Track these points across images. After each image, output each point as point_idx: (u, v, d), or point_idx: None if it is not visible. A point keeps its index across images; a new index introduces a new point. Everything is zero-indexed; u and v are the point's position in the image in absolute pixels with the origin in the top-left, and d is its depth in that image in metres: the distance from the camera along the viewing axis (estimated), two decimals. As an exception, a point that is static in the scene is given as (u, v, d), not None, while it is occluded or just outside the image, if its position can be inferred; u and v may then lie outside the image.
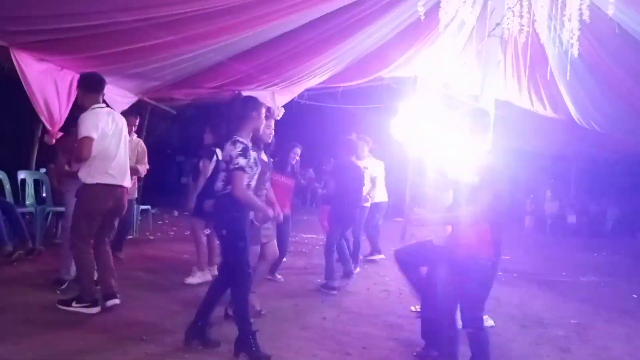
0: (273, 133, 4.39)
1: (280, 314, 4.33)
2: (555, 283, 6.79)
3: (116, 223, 4.18)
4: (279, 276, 5.70)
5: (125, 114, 4.64)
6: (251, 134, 3.43)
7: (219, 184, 3.36)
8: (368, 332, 4.04)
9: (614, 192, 15.95)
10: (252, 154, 3.33)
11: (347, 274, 5.99)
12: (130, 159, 4.42)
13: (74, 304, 3.80)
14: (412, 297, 4.11)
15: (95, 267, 3.98)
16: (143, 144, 5.90)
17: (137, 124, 5.74)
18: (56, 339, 3.26)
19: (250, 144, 3.36)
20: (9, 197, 5.87)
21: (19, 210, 5.46)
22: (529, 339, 4.23)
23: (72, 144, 4.22)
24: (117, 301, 3.92)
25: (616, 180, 15.61)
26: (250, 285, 3.50)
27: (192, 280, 5.09)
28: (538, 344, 4.09)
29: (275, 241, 4.36)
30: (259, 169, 3.45)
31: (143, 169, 5.74)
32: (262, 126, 3.65)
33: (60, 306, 3.81)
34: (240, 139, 3.29)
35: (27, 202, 6.10)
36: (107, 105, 4.28)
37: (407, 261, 3.50)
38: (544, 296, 5.90)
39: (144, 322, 3.77)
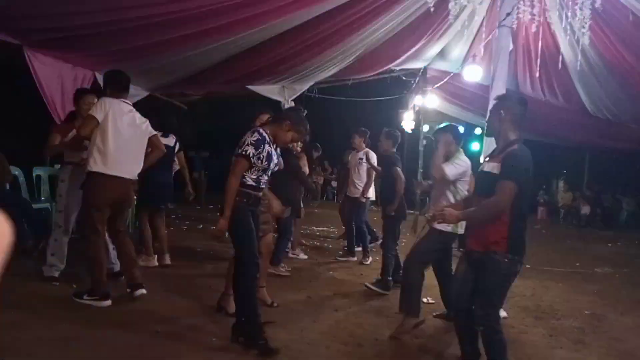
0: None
1: (292, 306, 4.36)
2: (569, 274, 6.75)
3: (127, 214, 4.18)
4: (283, 269, 5.60)
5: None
6: (274, 137, 3.37)
7: None
8: (380, 324, 4.05)
9: (629, 182, 15.75)
10: (267, 148, 3.25)
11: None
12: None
13: (85, 296, 3.84)
14: (425, 289, 4.11)
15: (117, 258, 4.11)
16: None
17: None
18: (72, 333, 3.31)
19: (270, 139, 3.32)
20: (25, 193, 5.96)
21: (35, 206, 5.56)
22: (543, 330, 4.21)
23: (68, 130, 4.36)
24: (144, 291, 3.98)
25: (631, 171, 15.41)
26: (255, 276, 3.35)
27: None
28: (551, 336, 4.07)
29: (269, 235, 4.27)
30: (272, 164, 3.37)
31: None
32: (286, 141, 3.48)
33: (74, 298, 3.86)
34: (260, 130, 3.29)
35: (42, 198, 6.19)
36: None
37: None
38: (557, 288, 5.87)
39: (158, 314, 3.82)
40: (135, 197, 4.20)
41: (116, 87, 4.00)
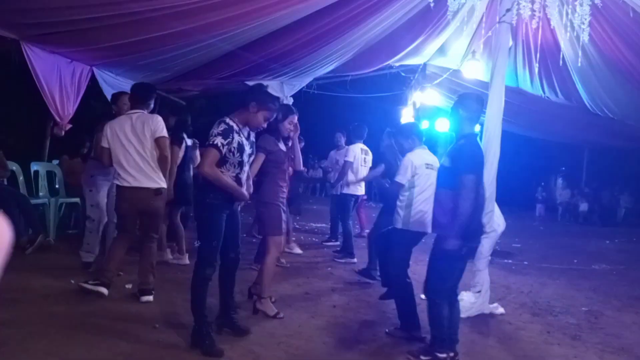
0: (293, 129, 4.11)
1: (290, 302, 4.36)
2: (566, 271, 6.76)
3: (158, 223, 4.23)
4: (283, 261, 5.73)
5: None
6: (246, 123, 3.23)
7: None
8: (378, 320, 4.06)
9: (627, 179, 15.78)
10: (237, 138, 3.13)
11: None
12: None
13: (90, 281, 3.95)
14: (422, 285, 4.11)
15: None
16: (196, 141, 5.91)
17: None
18: (68, 328, 3.30)
19: (238, 128, 3.17)
20: (23, 189, 5.94)
21: (33, 201, 5.54)
22: (540, 327, 4.22)
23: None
24: (150, 298, 3.99)
25: (629, 168, 15.44)
26: (209, 278, 3.22)
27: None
28: (549, 332, 4.08)
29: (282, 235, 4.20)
30: (247, 156, 3.24)
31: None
32: (259, 123, 3.29)
33: (79, 283, 3.96)
34: (227, 120, 3.15)
35: (41, 194, 6.17)
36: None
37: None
38: (554, 284, 5.88)
39: (156, 310, 3.82)
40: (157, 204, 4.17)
41: (132, 99, 4.23)
